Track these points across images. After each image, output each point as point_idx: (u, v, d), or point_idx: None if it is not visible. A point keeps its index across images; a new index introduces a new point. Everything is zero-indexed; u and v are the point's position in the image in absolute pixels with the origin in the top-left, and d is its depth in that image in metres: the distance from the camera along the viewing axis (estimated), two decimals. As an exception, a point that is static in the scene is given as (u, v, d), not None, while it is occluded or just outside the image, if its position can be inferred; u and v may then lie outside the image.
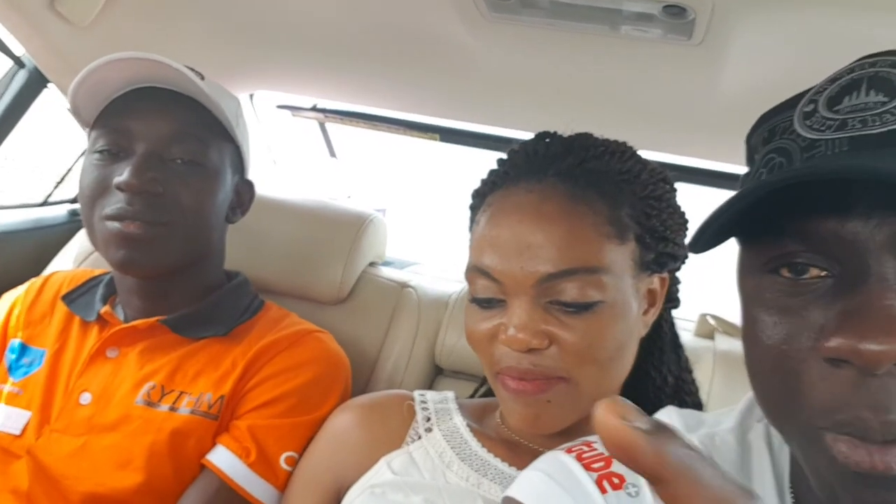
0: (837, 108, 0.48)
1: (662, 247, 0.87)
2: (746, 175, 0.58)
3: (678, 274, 0.95)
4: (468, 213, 0.97)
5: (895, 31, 0.96)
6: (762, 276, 0.50)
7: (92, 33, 1.39)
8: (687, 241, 0.52)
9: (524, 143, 0.91)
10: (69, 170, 1.80)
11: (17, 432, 1.06)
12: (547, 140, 0.90)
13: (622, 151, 0.88)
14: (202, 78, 1.13)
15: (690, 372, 1.01)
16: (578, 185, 0.83)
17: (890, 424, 0.43)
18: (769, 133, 0.54)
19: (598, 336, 0.80)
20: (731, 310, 1.48)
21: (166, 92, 1.10)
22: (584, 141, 0.89)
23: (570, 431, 0.84)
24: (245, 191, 1.23)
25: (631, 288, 0.84)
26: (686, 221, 0.93)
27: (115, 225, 1.03)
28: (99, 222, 1.06)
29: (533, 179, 0.84)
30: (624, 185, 0.85)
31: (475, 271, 0.84)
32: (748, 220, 0.49)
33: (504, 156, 0.92)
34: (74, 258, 1.59)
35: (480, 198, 0.91)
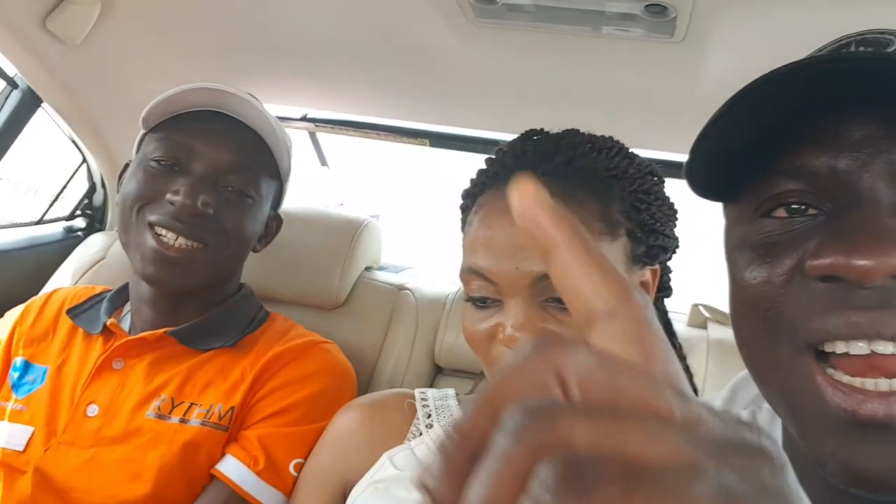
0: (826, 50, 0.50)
1: (653, 240, 0.89)
2: None
3: (670, 263, 0.97)
4: (460, 215, 0.98)
5: (873, 23, 0.98)
6: (751, 223, 0.51)
7: (84, 51, 1.41)
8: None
9: (512, 143, 0.92)
10: (64, 188, 1.81)
11: (21, 448, 1.07)
12: (535, 138, 0.92)
13: (609, 147, 0.90)
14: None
15: (684, 359, 1.05)
16: (568, 183, 0.84)
17: (882, 326, 0.43)
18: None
19: None
20: (722, 300, 1.50)
21: (232, 119, 1.15)
22: (571, 139, 0.90)
23: None
24: (274, 224, 1.28)
25: (625, 276, 0.86)
26: (675, 212, 0.94)
27: (154, 240, 1.07)
28: (140, 226, 1.09)
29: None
30: (613, 181, 0.86)
31: (470, 272, 0.85)
32: (738, 170, 0.50)
33: (493, 156, 0.93)
34: (72, 275, 1.60)
35: (471, 199, 0.92)
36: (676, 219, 0.94)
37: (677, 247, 0.95)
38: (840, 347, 0.44)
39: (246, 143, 1.15)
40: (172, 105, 1.13)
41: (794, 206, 0.48)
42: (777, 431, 0.61)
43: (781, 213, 0.49)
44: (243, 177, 1.14)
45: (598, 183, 0.85)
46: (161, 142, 1.13)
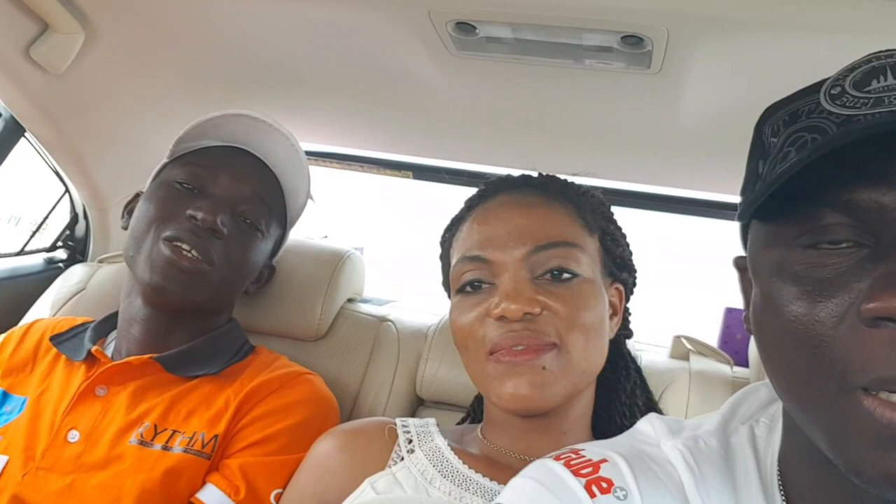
0: (868, 90, 0.50)
1: (620, 251, 0.99)
2: (762, 158, 0.59)
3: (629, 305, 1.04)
4: (441, 246, 1.05)
5: (841, 51, 1.01)
6: (791, 250, 0.51)
7: (67, 81, 1.42)
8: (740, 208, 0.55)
9: (494, 178, 1.04)
10: (45, 218, 1.80)
11: None
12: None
13: (576, 184, 1.03)
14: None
15: (649, 392, 1.10)
16: (549, 191, 0.97)
17: None
18: (791, 116, 0.55)
19: (582, 305, 0.88)
20: (702, 332, 1.51)
21: (257, 159, 1.23)
22: (546, 174, 1.03)
23: (556, 415, 0.90)
24: (266, 273, 1.33)
25: (601, 278, 0.94)
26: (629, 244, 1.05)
27: (168, 253, 1.10)
28: (154, 241, 1.12)
29: (510, 189, 0.98)
30: (584, 199, 0.98)
31: (464, 260, 0.93)
32: (782, 193, 0.50)
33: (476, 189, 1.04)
34: (52, 305, 1.59)
35: (456, 224, 1.01)
36: (631, 253, 1.04)
37: (636, 273, 1.04)
38: (892, 386, 0.45)
39: (266, 181, 1.23)
40: (209, 130, 1.20)
41: (837, 240, 0.49)
42: (775, 443, 0.62)
43: (826, 245, 0.49)
44: (258, 209, 1.20)
45: (574, 196, 0.98)
46: (186, 167, 1.19)
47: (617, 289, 0.99)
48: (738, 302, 1.67)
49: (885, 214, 0.47)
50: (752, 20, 0.99)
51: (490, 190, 1.00)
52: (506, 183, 1.00)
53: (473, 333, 0.89)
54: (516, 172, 1.04)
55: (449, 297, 1.05)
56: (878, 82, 0.49)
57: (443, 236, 1.05)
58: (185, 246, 1.11)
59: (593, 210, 0.98)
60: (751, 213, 0.52)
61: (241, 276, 1.22)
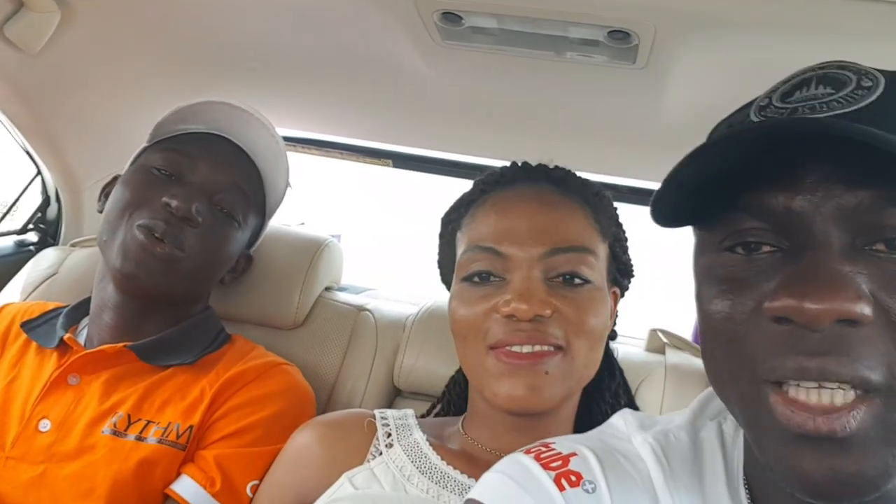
0: (789, 100, 0.53)
1: (626, 259, 0.99)
2: None
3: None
4: (444, 225, 1.03)
5: (827, 50, 1.01)
6: (716, 254, 0.54)
7: (42, 61, 1.38)
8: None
9: (511, 165, 1.01)
10: (16, 200, 1.76)
11: None
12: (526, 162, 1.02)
13: (592, 182, 1.01)
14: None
15: (628, 391, 1.10)
16: (569, 190, 0.96)
17: (828, 371, 0.46)
18: (727, 128, 0.58)
19: (591, 311, 0.88)
20: (679, 325, 1.52)
21: (238, 146, 1.21)
22: (562, 167, 1.01)
23: (545, 416, 0.90)
24: (243, 262, 1.31)
25: (606, 285, 0.94)
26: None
27: (142, 238, 1.08)
28: (127, 228, 1.10)
29: (529, 182, 0.97)
30: (598, 200, 0.97)
31: (477, 249, 0.91)
32: (705, 201, 0.53)
33: (486, 174, 1.02)
34: (22, 290, 1.55)
35: (466, 206, 0.99)
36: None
37: (633, 276, 1.04)
38: (792, 385, 0.48)
39: (244, 171, 1.21)
40: (189, 116, 1.18)
41: (754, 244, 0.52)
42: (741, 440, 0.63)
43: (741, 250, 0.53)
44: (236, 199, 1.18)
45: (591, 196, 0.96)
46: (165, 153, 1.17)
47: (614, 292, 0.99)
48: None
49: (793, 219, 0.50)
50: (740, 18, 1.00)
51: (508, 177, 0.98)
52: (524, 173, 0.99)
53: (477, 326, 0.88)
54: (497, 163, 1.03)
55: (442, 277, 1.04)
56: (801, 93, 0.52)
57: (448, 215, 1.03)
58: (157, 234, 1.09)
59: (607, 214, 0.98)
60: (659, 216, 0.56)
61: (216, 266, 1.20)
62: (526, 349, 0.84)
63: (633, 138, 1.48)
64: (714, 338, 0.54)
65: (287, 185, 1.30)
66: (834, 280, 0.46)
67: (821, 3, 0.94)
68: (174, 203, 1.09)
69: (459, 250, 0.95)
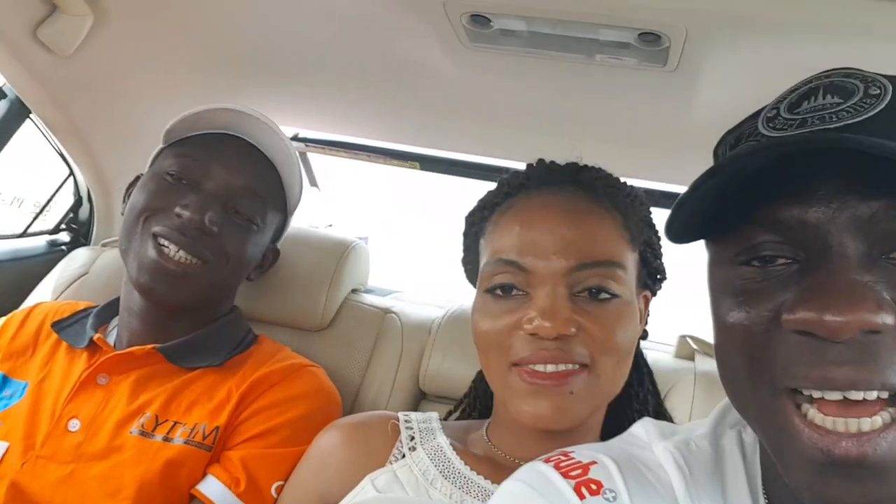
0: (797, 111, 0.52)
1: (657, 264, 0.95)
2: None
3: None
4: (468, 226, 1.00)
5: (861, 55, 0.99)
6: (731, 267, 0.54)
7: (74, 63, 1.40)
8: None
9: (537, 163, 0.97)
10: (49, 201, 1.79)
11: None
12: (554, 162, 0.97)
13: (623, 181, 0.97)
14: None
15: (658, 395, 1.07)
16: (597, 194, 0.91)
17: (855, 379, 0.46)
18: (735, 140, 0.58)
19: (618, 327, 0.84)
20: (709, 331, 1.50)
21: (252, 146, 1.18)
22: (591, 166, 0.96)
23: (569, 433, 0.87)
24: (270, 255, 1.30)
25: (636, 294, 0.90)
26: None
27: (155, 250, 1.08)
28: (144, 235, 1.10)
29: (554, 187, 0.91)
30: (629, 202, 0.93)
31: (500, 263, 0.87)
32: (720, 215, 0.53)
33: (511, 174, 0.97)
34: (53, 289, 1.58)
35: (490, 208, 0.95)
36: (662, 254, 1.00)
37: (665, 279, 1.00)
38: (816, 395, 0.48)
39: (261, 171, 1.18)
40: (196, 123, 1.16)
41: (769, 256, 0.52)
42: (760, 449, 0.63)
43: (756, 263, 0.52)
44: (252, 203, 1.17)
45: (621, 199, 0.92)
46: (178, 157, 1.15)
47: (645, 296, 0.96)
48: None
49: (808, 231, 0.49)
50: (771, 19, 0.98)
51: (533, 182, 0.93)
52: (550, 177, 0.93)
53: (500, 342, 0.85)
54: (525, 167, 0.98)
55: (467, 275, 1.03)
56: (809, 103, 0.52)
57: (472, 215, 0.99)
58: (171, 247, 1.08)
59: (638, 217, 0.93)
60: (674, 234, 0.57)
61: (236, 271, 1.19)
62: (550, 368, 0.82)
63: (664, 141, 1.46)
64: (731, 349, 0.53)
65: (301, 186, 1.28)
66: (853, 291, 0.46)
67: (850, 4, 0.92)
68: (186, 214, 1.08)
69: (483, 259, 0.92)
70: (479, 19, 1.11)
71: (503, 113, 1.51)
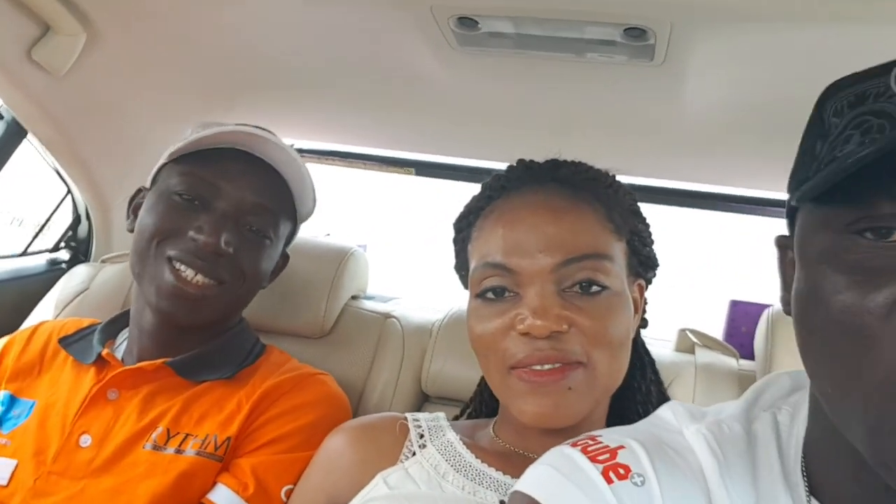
0: None
1: (647, 251, 0.95)
2: (820, 138, 0.56)
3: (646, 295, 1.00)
4: (456, 232, 1.01)
5: (846, 41, 1.00)
6: (842, 236, 0.49)
7: (69, 82, 1.41)
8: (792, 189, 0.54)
9: (517, 163, 0.98)
10: (48, 220, 1.80)
11: (4, 482, 1.05)
12: (532, 161, 0.98)
13: (604, 173, 0.97)
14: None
15: (661, 384, 1.06)
16: (577, 188, 0.91)
17: None
18: (857, 97, 0.53)
19: (610, 320, 0.84)
20: (707, 325, 1.51)
21: (256, 158, 1.16)
22: (570, 161, 0.97)
23: (574, 428, 0.86)
24: (281, 262, 1.29)
25: (627, 284, 0.90)
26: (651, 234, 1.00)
27: (172, 275, 1.08)
28: (158, 260, 1.10)
29: (534, 185, 0.92)
30: (611, 192, 0.93)
31: (487, 267, 0.87)
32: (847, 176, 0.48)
33: (493, 177, 0.98)
34: (55, 306, 1.58)
35: (475, 213, 0.96)
36: (653, 242, 0.99)
37: (658, 266, 1.00)
38: None
39: (269, 184, 1.16)
40: (201, 140, 1.13)
41: (885, 229, 0.47)
42: (798, 431, 0.62)
43: (871, 234, 0.48)
44: (264, 218, 1.16)
45: (602, 190, 0.92)
46: (185, 176, 1.13)
47: (639, 285, 0.96)
48: (742, 295, 1.68)
49: None
50: (756, 11, 0.98)
51: (513, 182, 0.93)
52: (530, 175, 0.94)
53: (495, 345, 0.86)
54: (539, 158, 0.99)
55: (461, 280, 1.03)
56: None
57: (459, 222, 1.00)
58: (189, 271, 1.08)
59: (622, 208, 0.93)
60: (812, 195, 0.51)
61: (254, 285, 1.19)
62: (547, 366, 0.82)
63: (654, 137, 1.47)
64: (843, 333, 0.48)
65: (314, 198, 1.27)
66: None
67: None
68: (202, 238, 1.07)
69: (471, 265, 0.93)
70: (467, 22, 1.12)
71: (496, 115, 1.52)
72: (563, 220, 0.86)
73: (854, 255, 0.48)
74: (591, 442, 0.64)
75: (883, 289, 0.46)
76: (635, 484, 0.58)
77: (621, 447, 0.62)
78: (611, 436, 0.64)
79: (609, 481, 0.58)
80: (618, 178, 0.98)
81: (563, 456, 0.63)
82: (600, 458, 0.61)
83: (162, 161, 1.18)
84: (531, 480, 0.62)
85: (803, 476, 0.58)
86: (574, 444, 0.64)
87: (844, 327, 0.48)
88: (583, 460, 0.61)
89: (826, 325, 0.50)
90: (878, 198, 0.47)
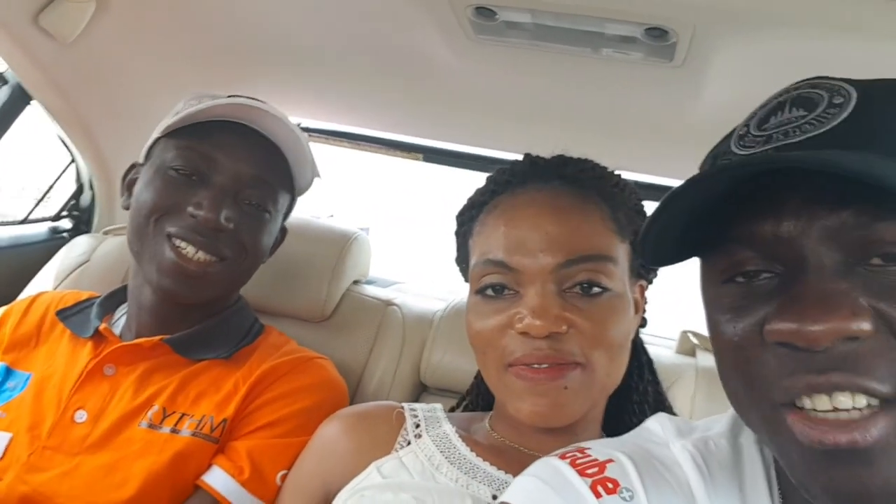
0: (765, 127, 0.53)
1: None
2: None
3: (647, 293, 1.00)
4: (459, 225, 0.99)
5: (867, 50, 0.99)
6: (719, 286, 0.55)
7: (76, 50, 1.40)
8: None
9: (523, 158, 0.96)
10: (51, 187, 1.78)
11: None
12: (537, 156, 0.96)
13: (610, 171, 0.96)
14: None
15: (659, 384, 1.06)
16: (583, 187, 0.90)
17: (838, 383, 0.47)
18: (712, 159, 0.59)
19: (610, 322, 0.84)
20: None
21: (252, 130, 1.14)
22: (577, 158, 0.95)
23: (570, 427, 0.87)
24: (280, 236, 1.27)
25: (629, 285, 0.89)
26: None
27: (172, 252, 1.06)
28: (158, 237, 1.08)
29: (539, 182, 0.91)
30: (617, 192, 0.92)
31: (487, 264, 0.86)
32: (703, 236, 0.55)
33: (495, 172, 0.96)
34: (55, 277, 1.57)
35: (478, 207, 0.94)
36: None
37: (656, 271, 0.99)
38: (806, 403, 0.49)
39: (266, 156, 1.14)
40: (196, 114, 1.11)
41: (752, 272, 0.53)
42: None
43: (740, 279, 0.54)
44: (262, 191, 1.14)
45: (608, 190, 0.91)
46: (181, 150, 1.11)
47: (640, 286, 0.95)
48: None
49: (782, 244, 0.50)
50: (780, 17, 0.97)
51: (518, 178, 0.92)
52: (535, 172, 0.92)
53: (493, 342, 0.86)
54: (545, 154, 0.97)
55: (461, 273, 1.02)
56: (776, 118, 0.53)
57: (461, 215, 0.99)
58: (189, 248, 1.07)
59: (627, 207, 0.92)
60: (648, 258, 0.59)
61: (255, 260, 1.18)
62: (544, 364, 0.82)
63: (669, 136, 1.46)
64: (728, 365, 0.54)
65: (313, 171, 1.25)
66: (828, 300, 0.47)
67: (863, 2, 0.91)
68: (201, 214, 1.06)
69: (472, 260, 0.92)
70: (485, 11, 1.10)
71: (507, 105, 1.51)
72: (567, 220, 0.85)
73: (727, 299, 0.54)
74: (579, 454, 0.64)
75: (749, 322, 0.52)
76: (623, 499, 0.59)
77: (610, 461, 0.63)
78: (600, 448, 0.65)
79: (597, 496, 0.59)
80: (623, 175, 0.97)
81: (551, 468, 0.63)
82: (589, 471, 0.62)
83: (156, 135, 1.16)
84: (519, 491, 0.63)
85: (778, 491, 0.60)
86: (563, 457, 0.64)
87: (729, 360, 0.54)
88: (571, 473, 0.61)
89: (721, 362, 0.57)
90: (733, 245, 0.54)
